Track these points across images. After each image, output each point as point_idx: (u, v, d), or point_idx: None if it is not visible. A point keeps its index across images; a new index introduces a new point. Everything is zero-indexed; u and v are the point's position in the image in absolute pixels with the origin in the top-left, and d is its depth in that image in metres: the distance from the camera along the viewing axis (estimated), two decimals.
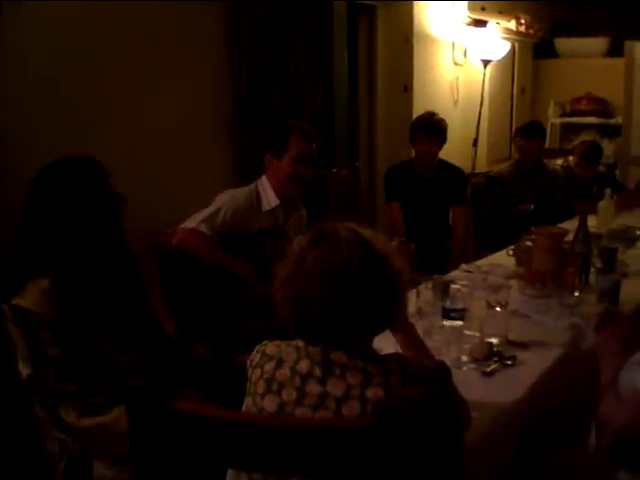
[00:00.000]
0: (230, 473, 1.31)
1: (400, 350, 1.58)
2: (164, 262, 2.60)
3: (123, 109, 2.93)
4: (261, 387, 1.26)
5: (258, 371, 1.29)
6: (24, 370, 1.77)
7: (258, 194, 2.72)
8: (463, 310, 1.98)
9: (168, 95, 3.14)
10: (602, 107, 6.48)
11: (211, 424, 1.03)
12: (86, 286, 1.78)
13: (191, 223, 2.60)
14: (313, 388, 1.20)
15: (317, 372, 1.22)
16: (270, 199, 2.72)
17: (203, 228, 2.57)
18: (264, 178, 2.75)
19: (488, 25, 5.34)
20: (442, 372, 1.27)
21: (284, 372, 1.25)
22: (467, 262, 3.09)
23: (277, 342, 1.34)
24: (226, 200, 2.65)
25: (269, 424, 1.09)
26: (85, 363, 1.78)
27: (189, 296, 2.55)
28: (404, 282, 1.28)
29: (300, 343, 1.27)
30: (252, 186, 2.75)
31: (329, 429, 1.03)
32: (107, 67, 2.88)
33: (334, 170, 4.18)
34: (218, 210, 2.61)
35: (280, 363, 1.27)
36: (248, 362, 1.34)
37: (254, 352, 1.35)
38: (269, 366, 1.27)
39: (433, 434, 1.18)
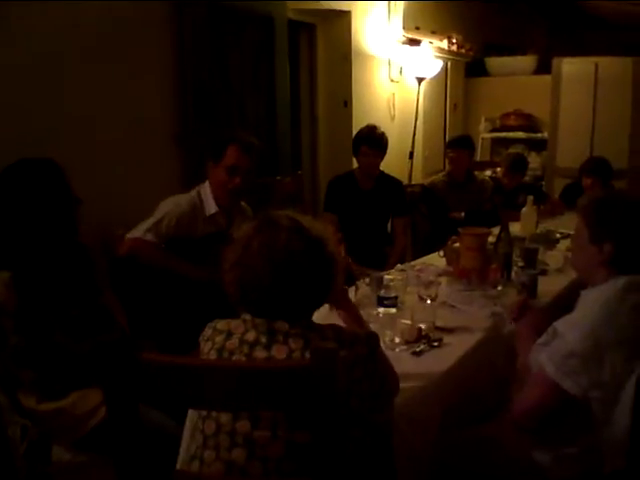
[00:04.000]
0: (190, 418, 1.46)
1: (342, 324, 1.75)
2: (111, 266, 2.66)
3: (77, 117, 3.07)
4: (212, 356, 1.41)
5: (209, 343, 1.44)
6: None
7: (201, 199, 2.81)
8: (395, 298, 2.19)
9: (118, 104, 3.28)
10: (530, 122, 6.89)
11: (172, 369, 1.19)
12: (44, 278, 1.90)
13: (137, 232, 2.66)
14: (259, 353, 1.36)
15: (263, 340, 1.38)
16: (210, 205, 2.81)
17: (149, 237, 2.64)
18: (207, 183, 2.84)
19: (422, 44, 5.64)
20: (372, 338, 1.45)
21: (233, 342, 1.40)
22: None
23: (227, 320, 1.49)
24: (170, 208, 2.72)
25: (224, 366, 1.26)
26: (42, 351, 1.89)
27: (137, 299, 2.62)
28: (338, 263, 1.47)
29: (247, 317, 1.44)
30: (194, 191, 2.83)
31: (275, 369, 1.21)
32: (59, 75, 3.01)
33: (278, 177, 4.35)
34: (162, 219, 2.68)
35: (229, 335, 1.42)
36: (200, 337, 1.49)
37: (206, 328, 1.50)
38: (220, 338, 1.43)
39: (364, 390, 1.37)
